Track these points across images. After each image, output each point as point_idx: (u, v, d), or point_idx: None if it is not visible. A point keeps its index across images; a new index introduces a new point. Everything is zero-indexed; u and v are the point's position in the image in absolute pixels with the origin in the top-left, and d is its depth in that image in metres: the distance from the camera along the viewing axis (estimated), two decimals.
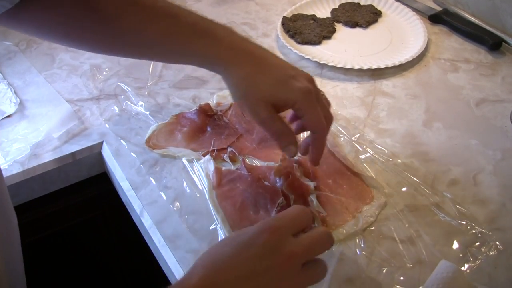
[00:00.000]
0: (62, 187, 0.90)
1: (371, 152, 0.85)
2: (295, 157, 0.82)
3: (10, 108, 0.93)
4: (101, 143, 0.89)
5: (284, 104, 0.71)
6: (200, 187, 0.80)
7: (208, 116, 0.90)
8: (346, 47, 1.09)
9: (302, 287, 0.57)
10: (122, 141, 0.88)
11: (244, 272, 0.54)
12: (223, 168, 0.82)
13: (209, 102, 0.93)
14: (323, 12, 1.20)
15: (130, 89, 0.98)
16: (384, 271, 0.68)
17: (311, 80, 0.73)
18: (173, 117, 0.91)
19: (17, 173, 0.83)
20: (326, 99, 0.77)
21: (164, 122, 0.90)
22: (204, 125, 0.89)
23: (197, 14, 0.75)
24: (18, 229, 0.74)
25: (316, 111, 0.71)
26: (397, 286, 0.67)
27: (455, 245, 0.71)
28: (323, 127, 0.73)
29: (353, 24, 1.15)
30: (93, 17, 0.71)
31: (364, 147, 0.86)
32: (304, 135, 0.82)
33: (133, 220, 0.83)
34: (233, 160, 0.84)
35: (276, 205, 0.75)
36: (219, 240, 0.72)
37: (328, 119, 0.75)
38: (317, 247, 0.57)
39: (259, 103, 0.70)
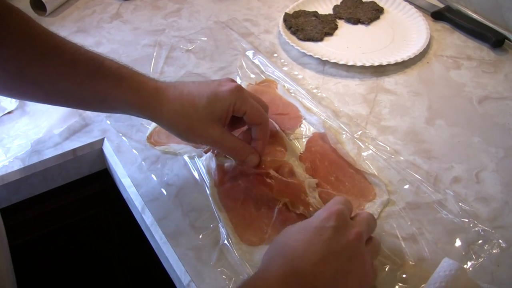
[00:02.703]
0: (63, 183, 0.90)
1: (373, 149, 0.85)
2: (297, 153, 0.82)
3: (11, 105, 0.93)
4: (102, 139, 0.88)
5: (226, 113, 0.73)
6: (201, 184, 0.80)
7: None
8: (348, 44, 1.09)
9: (370, 261, 0.62)
10: (123, 137, 0.88)
11: (321, 256, 0.58)
12: (225, 165, 0.82)
13: None
14: (325, 9, 1.20)
15: None
16: (386, 269, 0.68)
17: (232, 80, 0.76)
18: None
19: (18, 170, 0.83)
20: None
21: None
22: None
23: (118, 62, 0.73)
24: (5, 231, 0.74)
25: (253, 103, 0.74)
26: (400, 284, 0.66)
27: (458, 243, 0.71)
28: (264, 116, 0.77)
29: (355, 21, 1.15)
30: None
31: (366, 144, 0.86)
32: None
33: (134, 217, 0.83)
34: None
35: (278, 202, 0.75)
36: (220, 238, 0.72)
37: (265, 107, 0.79)
38: (371, 226, 0.65)
39: (204, 126, 0.72)
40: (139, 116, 0.74)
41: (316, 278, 0.57)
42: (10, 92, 0.73)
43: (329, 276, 0.58)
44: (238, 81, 0.98)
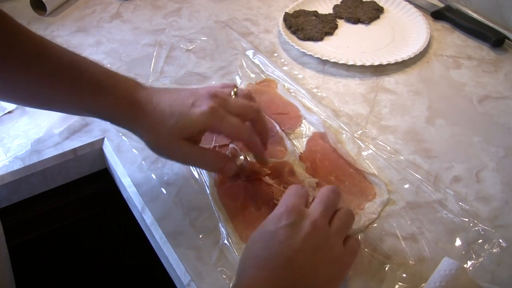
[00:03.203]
0: (63, 183, 0.90)
1: (374, 149, 0.85)
2: (297, 153, 0.82)
3: (11, 104, 0.93)
4: (103, 139, 0.88)
5: (196, 134, 0.73)
6: (201, 183, 0.80)
7: None
8: (348, 43, 1.09)
9: (339, 241, 0.63)
10: (123, 137, 0.88)
11: (286, 257, 0.58)
12: None
13: None
14: (325, 8, 1.20)
15: None
16: (386, 268, 0.68)
17: (212, 95, 0.71)
18: None
19: (18, 169, 0.83)
20: (244, 94, 0.77)
21: None
22: None
23: (102, 68, 0.72)
24: (3, 231, 0.74)
25: (228, 124, 0.70)
26: (400, 283, 0.66)
27: (458, 242, 0.71)
28: (244, 133, 0.72)
29: (355, 21, 1.15)
30: None
31: (367, 143, 0.86)
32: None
33: (134, 217, 0.83)
34: (234, 156, 0.83)
35: (278, 201, 0.75)
36: (220, 237, 0.72)
37: (252, 111, 0.74)
38: (330, 202, 0.65)
39: (171, 145, 0.71)
40: (117, 126, 0.74)
41: (287, 279, 0.57)
42: (4, 91, 0.72)
43: (299, 274, 0.58)
44: (238, 80, 0.98)
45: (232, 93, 0.76)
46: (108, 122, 0.75)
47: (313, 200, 0.66)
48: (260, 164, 0.80)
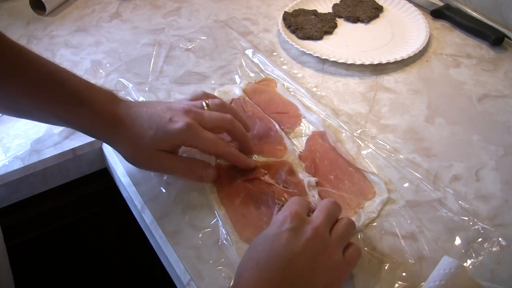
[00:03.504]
0: (63, 183, 0.90)
1: (373, 148, 0.85)
2: (296, 152, 0.82)
3: None
4: None
5: (172, 148, 0.76)
6: (201, 183, 0.80)
7: None
8: (347, 42, 1.09)
9: (339, 249, 0.63)
10: None
11: (286, 259, 0.59)
12: (224, 163, 0.82)
13: None
14: (325, 7, 1.20)
15: (131, 85, 0.98)
16: (386, 267, 0.68)
17: (187, 111, 0.74)
18: None
19: (17, 169, 0.83)
20: (216, 105, 0.79)
21: None
22: None
23: (81, 80, 0.74)
24: (1, 231, 0.74)
25: (204, 140, 0.74)
26: (399, 282, 0.66)
27: (458, 241, 0.71)
28: (219, 147, 0.76)
29: (355, 19, 1.15)
30: None
31: (366, 142, 0.86)
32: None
33: (134, 216, 0.83)
34: None
35: (277, 200, 0.75)
36: (220, 236, 0.72)
37: (226, 123, 0.77)
38: (331, 213, 0.66)
39: (148, 157, 0.74)
40: (95, 138, 0.78)
41: (286, 281, 0.58)
42: None
43: (298, 276, 0.59)
44: (238, 80, 0.98)
45: (204, 105, 0.78)
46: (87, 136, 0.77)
47: (313, 211, 0.67)
48: (245, 169, 0.80)
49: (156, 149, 0.73)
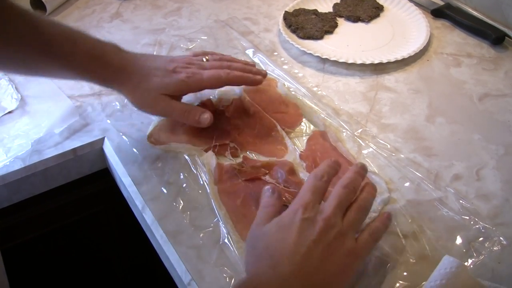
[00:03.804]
0: (64, 183, 0.90)
1: (374, 147, 0.85)
2: (297, 151, 0.82)
3: (11, 104, 0.93)
4: (103, 139, 0.88)
5: (177, 93, 0.85)
6: (202, 182, 0.80)
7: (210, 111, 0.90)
8: (348, 41, 1.09)
9: (352, 235, 0.64)
10: (123, 136, 0.88)
11: (303, 247, 0.60)
12: (225, 163, 0.82)
13: (211, 97, 0.93)
14: (325, 7, 1.20)
15: None
16: (387, 267, 0.68)
17: (189, 63, 0.85)
18: None
19: (18, 170, 0.83)
20: (216, 58, 0.90)
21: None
22: None
23: (91, 37, 0.81)
24: None
25: (205, 81, 0.84)
26: (400, 282, 0.66)
27: (459, 240, 0.71)
28: (223, 74, 0.85)
29: (355, 19, 1.15)
30: None
31: (367, 142, 0.86)
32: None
33: (135, 216, 0.83)
34: (234, 155, 0.84)
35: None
36: (221, 236, 0.72)
37: (224, 62, 0.88)
38: (344, 197, 0.66)
39: (156, 98, 0.82)
40: (105, 87, 0.86)
41: (300, 273, 0.59)
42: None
43: (312, 267, 0.60)
44: None
45: (204, 60, 0.88)
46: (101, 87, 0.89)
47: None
48: (256, 85, 0.89)
49: (159, 94, 0.82)
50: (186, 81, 0.82)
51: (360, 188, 0.69)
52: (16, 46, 0.74)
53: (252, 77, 0.88)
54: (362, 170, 0.70)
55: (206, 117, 0.83)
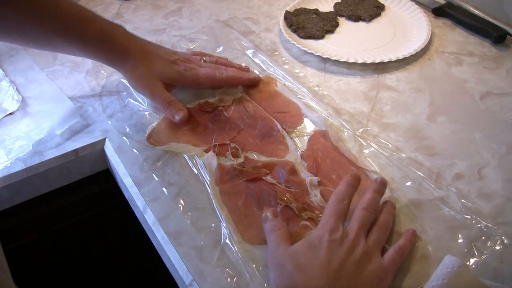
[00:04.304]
0: (65, 184, 0.90)
1: (375, 147, 0.84)
2: (298, 151, 0.82)
3: (12, 106, 0.93)
4: (104, 140, 0.88)
5: (171, 83, 0.91)
6: (203, 183, 0.80)
7: (208, 112, 0.90)
8: (349, 41, 1.09)
9: (377, 253, 0.67)
10: (124, 137, 0.88)
11: (332, 264, 0.63)
12: (226, 164, 0.82)
13: (211, 97, 0.93)
14: (326, 6, 1.20)
15: None
16: None
17: (188, 59, 0.94)
18: None
19: (19, 171, 0.83)
20: (213, 59, 0.97)
21: (163, 117, 0.90)
22: (205, 121, 0.89)
23: (102, 19, 0.88)
24: None
25: (202, 77, 0.92)
26: (402, 281, 0.66)
27: (460, 239, 0.71)
28: (217, 77, 0.92)
29: (356, 18, 1.15)
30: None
31: (368, 141, 0.85)
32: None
33: (136, 217, 0.83)
34: (235, 155, 0.83)
35: (281, 201, 0.75)
36: (222, 237, 0.72)
37: (221, 61, 0.97)
38: (365, 217, 0.69)
39: (151, 81, 0.89)
40: (108, 65, 0.92)
41: (334, 285, 0.62)
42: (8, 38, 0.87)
43: (344, 283, 0.62)
44: None
45: (202, 60, 0.96)
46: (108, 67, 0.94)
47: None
48: (250, 83, 0.96)
49: (157, 78, 0.89)
50: (183, 73, 0.90)
51: (380, 205, 0.73)
52: (36, 26, 0.81)
53: (247, 75, 0.96)
54: (382, 186, 0.73)
55: (180, 116, 0.87)
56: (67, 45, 0.86)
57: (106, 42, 0.87)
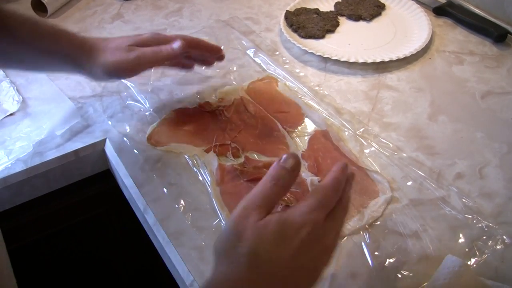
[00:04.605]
0: (66, 185, 0.90)
1: (376, 146, 0.84)
2: (299, 151, 0.82)
3: (13, 106, 0.93)
4: (104, 140, 0.88)
5: (128, 71, 0.86)
6: (203, 183, 0.80)
7: (208, 112, 0.90)
8: (349, 40, 1.09)
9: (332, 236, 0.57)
10: (125, 138, 0.88)
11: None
12: (227, 164, 0.81)
13: (212, 97, 0.94)
14: (326, 6, 1.20)
15: (133, 86, 0.98)
16: (389, 266, 0.68)
17: (144, 45, 0.86)
18: (172, 112, 0.91)
19: (20, 171, 0.83)
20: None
21: (163, 117, 0.90)
22: (205, 121, 0.89)
23: (49, 24, 0.84)
24: (1, 235, 0.74)
25: (150, 54, 0.84)
26: (403, 281, 0.66)
27: (461, 239, 0.71)
28: (164, 49, 0.84)
29: (357, 18, 1.15)
30: None
31: (369, 141, 0.85)
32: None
33: (137, 217, 0.83)
34: (236, 155, 0.83)
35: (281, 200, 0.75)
36: None
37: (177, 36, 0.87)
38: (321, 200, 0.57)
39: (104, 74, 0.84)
40: (73, 69, 0.85)
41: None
42: None
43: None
44: (239, 79, 0.98)
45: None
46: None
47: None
48: (214, 51, 0.91)
49: (109, 71, 0.84)
50: (134, 60, 0.83)
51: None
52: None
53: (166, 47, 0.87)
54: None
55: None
56: (14, 50, 0.81)
57: (65, 40, 0.83)
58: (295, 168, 0.59)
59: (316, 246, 0.56)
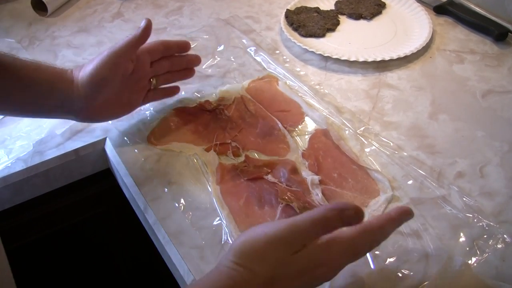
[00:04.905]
0: (66, 184, 0.90)
1: (377, 145, 0.84)
2: (299, 150, 0.82)
3: None
4: (104, 139, 0.88)
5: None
6: (203, 182, 0.80)
7: (208, 111, 0.90)
8: (350, 39, 1.09)
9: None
10: (125, 137, 0.87)
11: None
12: (227, 163, 0.81)
13: (212, 96, 0.93)
14: (327, 5, 1.19)
15: None
16: (390, 265, 0.68)
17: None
18: (172, 111, 0.90)
19: (20, 171, 0.83)
20: None
21: (163, 116, 0.90)
22: (206, 120, 0.89)
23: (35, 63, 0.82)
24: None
25: (122, 51, 0.80)
26: (403, 281, 0.66)
27: (462, 238, 0.70)
28: (131, 37, 0.81)
29: (357, 16, 1.15)
30: None
31: (369, 140, 0.85)
32: None
33: (137, 216, 0.83)
34: (236, 154, 0.83)
35: (281, 200, 0.75)
36: (223, 236, 0.72)
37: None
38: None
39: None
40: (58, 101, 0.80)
41: None
42: None
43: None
44: (240, 78, 0.98)
45: None
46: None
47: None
48: (182, 47, 0.88)
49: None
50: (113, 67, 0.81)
51: None
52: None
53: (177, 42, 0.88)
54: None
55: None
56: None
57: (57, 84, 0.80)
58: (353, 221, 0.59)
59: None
